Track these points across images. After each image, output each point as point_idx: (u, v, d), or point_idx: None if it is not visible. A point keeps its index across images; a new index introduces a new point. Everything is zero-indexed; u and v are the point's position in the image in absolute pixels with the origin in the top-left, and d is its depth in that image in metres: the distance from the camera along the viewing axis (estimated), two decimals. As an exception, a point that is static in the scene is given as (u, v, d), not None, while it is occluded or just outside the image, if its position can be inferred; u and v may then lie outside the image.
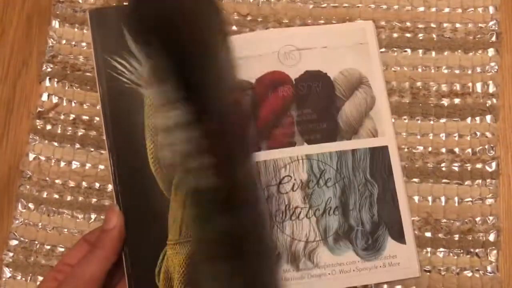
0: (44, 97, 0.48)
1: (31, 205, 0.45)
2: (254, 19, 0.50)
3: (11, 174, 0.47)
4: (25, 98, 0.48)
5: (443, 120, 0.46)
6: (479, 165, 0.45)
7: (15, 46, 0.50)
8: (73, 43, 0.49)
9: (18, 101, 0.48)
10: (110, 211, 0.36)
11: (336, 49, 0.47)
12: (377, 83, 0.46)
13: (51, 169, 0.46)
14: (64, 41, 0.49)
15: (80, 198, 0.46)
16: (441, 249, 0.44)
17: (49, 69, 0.48)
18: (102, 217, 0.45)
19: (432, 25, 0.49)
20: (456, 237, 0.44)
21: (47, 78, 0.48)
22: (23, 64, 0.49)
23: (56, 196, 0.46)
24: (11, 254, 0.45)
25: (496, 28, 0.48)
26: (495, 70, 0.47)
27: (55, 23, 0.49)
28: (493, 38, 0.48)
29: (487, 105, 0.46)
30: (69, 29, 0.49)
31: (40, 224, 0.45)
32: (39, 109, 0.48)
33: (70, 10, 0.50)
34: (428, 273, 0.44)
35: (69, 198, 0.46)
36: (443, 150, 0.46)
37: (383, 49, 0.48)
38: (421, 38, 0.48)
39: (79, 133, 0.47)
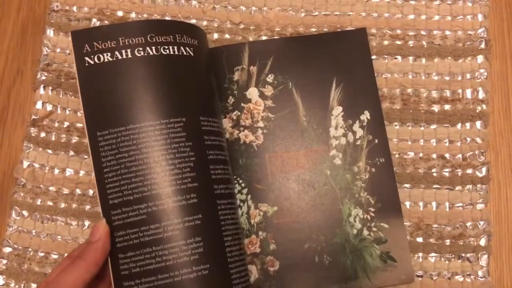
0: (39, 105, 0.48)
1: (25, 212, 0.46)
2: (247, 27, 0.50)
3: (5, 181, 0.47)
4: (20, 106, 0.49)
5: (433, 126, 0.47)
6: (469, 171, 0.46)
7: (10, 55, 0.50)
8: (68, 51, 0.49)
9: (12, 109, 0.49)
10: (96, 224, 0.37)
11: (327, 56, 0.48)
12: (368, 90, 0.47)
13: (45, 176, 0.46)
14: (58, 50, 0.49)
15: (74, 205, 0.46)
16: (433, 254, 0.44)
17: (43, 77, 0.49)
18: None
19: (422, 32, 0.49)
20: (448, 242, 0.44)
21: (42, 86, 0.48)
22: (17, 72, 0.50)
23: (50, 203, 0.46)
24: (4, 261, 0.45)
25: (485, 35, 0.49)
26: (485, 76, 0.48)
27: (50, 32, 0.50)
28: (482, 45, 0.49)
29: (477, 111, 0.47)
30: (63, 38, 0.50)
31: (34, 231, 0.45)
32: (33, 116, 0.48)
33: (65, 19, 0.50)
34: (419, 278, 0.44)
35: (63, 205, 0.46)
36: (434, 155, 0.46)
37: (374, 56, 0.48)
38: (411, 45, 0.49)
39: (73, 141, 0.47)
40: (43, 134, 0.47)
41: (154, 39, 0.40)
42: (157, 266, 0.36)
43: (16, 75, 0.50)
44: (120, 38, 0.39)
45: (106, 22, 0.50)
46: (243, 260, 0.40)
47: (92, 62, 0.39)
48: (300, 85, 0.47)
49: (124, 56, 0.39)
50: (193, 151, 0.39)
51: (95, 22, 0.50)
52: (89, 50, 0.39)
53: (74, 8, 0.50)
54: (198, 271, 0.36)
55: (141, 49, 0.39)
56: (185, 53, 0.41)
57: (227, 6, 0.51)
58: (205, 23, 0.50)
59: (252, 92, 0.47)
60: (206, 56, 0.44)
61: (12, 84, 0.49)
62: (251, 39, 0.50)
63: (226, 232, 0.39)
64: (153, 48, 0.40)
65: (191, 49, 0.41)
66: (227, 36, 0.50)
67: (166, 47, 0.40)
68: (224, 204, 0.40)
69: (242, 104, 0.47)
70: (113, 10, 0.50)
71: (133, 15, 0.50)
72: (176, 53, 0.40)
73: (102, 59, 0.39)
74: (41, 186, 0.46)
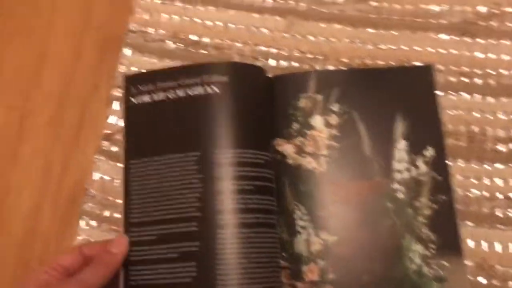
0: (111, 119, 0.51)
1: (93, 223, 0.48)
2: (314, 56, 0.51)
3: (76, 191, 0.49)
4: (94, 119, 0.51)
5: (499, 166, 0.47)
6: (536, 214, 0.45)
7: (88, 70, 0.53)
8: (143, 71, 0.52)
9: (87, 122, 0.51)
10: (120, 237, 0.42)
11: (394, 90, 0.48)
12: (434, 125, 0.47)
13: (114, 189, 0.48)
14: (134, 68, 0.52)
15: (139, 219, 0.48)
16: (495, 296, 0.43)
17: (117, 93, 0.51)
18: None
19: (490, 71, 0.49)
20: None
21: (115, 102, 0.51)
22: (94, 87, 0.52)
23: (118, 215, 0.48)
24: (71, 268, 0.47)
25: (556, 78, 0.48)
26: (554, 119, 0.47)
27: (127, 51, 0.53)
28: (553, 87, 0.48)
29: (545, 153, 0.46)
30: (139, 58, 0.52)
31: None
32: (105, 131, 0.50)
33: (141, 39, 0.53)
34: (480, 320, 0.43)
35: (129, 218, 0.48)
36: (499, 195, 0.46)
37: (440, 92, 0.49)
38: (478, 83, 0.49)
39: (142, 156, 0.49)
40: (114, 148, 0.50)
41: (183, 81, 0.45)
42: (159, 282, 0.41)
43: (92, 89, 0.52)
44: (157, 83, 0.46)
45: (181, 45, 0.52)
46: None
47: (135, 102, 0.46)
48: (365, 116, 0.48)
49: (160, 98, 0.45)
50: (202, 183, 0.42)
51: (170, 45, 0.52)
52: (134, 91, 0.46)
53: (151, 30, 0.53)
54: None
55: (172, 91, 0.45)
56: (210, 91, 0.44)
57: (296, 35, 0.52)
58: (274, 50, 0.52)
59: (317, 120, 0.48)
60: (244, 88, 0.46)
61: (88, 98, 0.52)
62: (318, 68, 0.51)
63: (222, 261, 0.40)
64: (182, 90, 0.45)
65: (217, 86, 0.44)
66: (295, 64, 0.51)
67: (194, 88, 0.45)
68: (224, 233, 0.41)
69: (306, 131, 0.48)
70: (186, 34, 0.53)
71: (206, 39, 0.53)
72: (202, 93, 0.44)
73: (142, 100, 0.46)
74: (110, 198, 0.48)
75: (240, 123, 0.45)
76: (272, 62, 0.52)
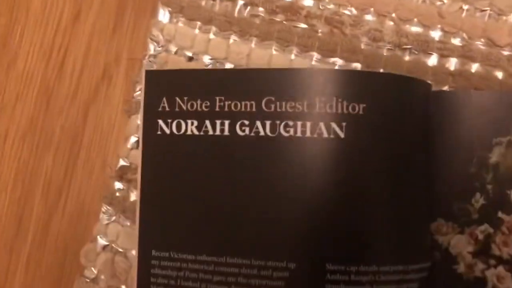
0: (133, 141, 0.29)
1: (92, 327, 0.28)
2: (518, 55, 0.27)
3: (67, 262, 0.29)
4: (102, 135, 0.29)
5: None
6: None
7: (94, 43, 0.30)
8: (190, 54, 0.29)
9: (89, 137, 0.29)
10: None
11: None
12: None
13: (131, 271, 0.28)
14: (174, 49, 0.29)
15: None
16: None
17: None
18: None
19: None
20: None
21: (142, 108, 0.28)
22: (103, 76, 0.30)
23: (134, 320, 0.28)
24: None
25: None
26: None
27: (164, 15, 0.29)
28: None
29: None
30: (185, 29, 0.29)
31: None
32: (121, 162, 0.28)
33: (191, -6, 0.29)
34: None
35: (153, 325, 0.27)
36: None
37: None
38: None
39: (182, 216, 0.28)
40: (133, 196, 0.28)
41: (272, 106, 0.24)
42: None
43: (100, 80, 0.30)
44: (217, 98, 0.24)
45: (262, 10, 0.28)
46: None
47: (167, 131, 0.25)
48: None
49: (218, 132, 0.24)
50: None
51: (242, 8, 0.28)
52: (167, 108, 0.25)
53: (209, -23, 0.29)
54: None
55: (246, 123, 0.24)
56: (325, 135, 0.23)
57: (487, 9, 0.27)
58: (437, 34, 0.27)
59: (523, 195, 0.25)
60: (397, 128, 0.24)
61: (92, 95, 0.30)
62: (523, 80, 0.27)
63: None
64: (267, 123, 0.24)
65: (343, 124, 0.23)
66: (475, 66, 0.27)
67: (291, 123, 0.23)
68: None
69: (499, 214, 0.25)
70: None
71: (309, 2, 0.28)
72: (309, 134, 0.23)
73: (183, 129, 0.25)
74: (122, 287, 0.28)
75: (387, 210, 0.23)
76: (432, 59, 0.27)
